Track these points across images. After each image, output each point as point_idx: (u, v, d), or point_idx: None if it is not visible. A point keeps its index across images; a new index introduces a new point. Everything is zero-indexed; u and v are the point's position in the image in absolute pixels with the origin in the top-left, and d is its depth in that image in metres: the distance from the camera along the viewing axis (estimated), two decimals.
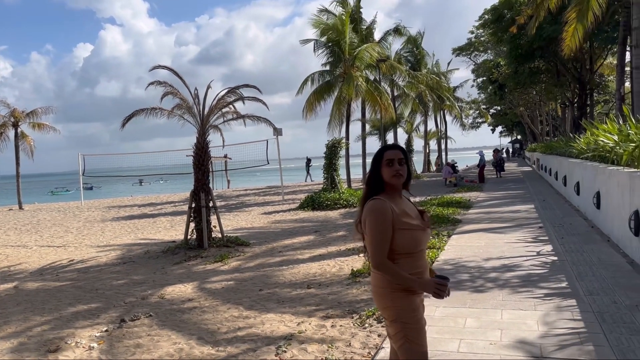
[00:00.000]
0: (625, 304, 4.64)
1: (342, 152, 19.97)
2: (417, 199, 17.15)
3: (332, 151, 18.39)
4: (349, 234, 10.54)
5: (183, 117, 10.33)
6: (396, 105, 33.64)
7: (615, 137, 8.95)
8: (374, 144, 42.99)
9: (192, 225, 9.89)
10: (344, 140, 19.75)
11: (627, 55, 16.05)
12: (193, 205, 9.91)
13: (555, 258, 6.80)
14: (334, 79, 24.44)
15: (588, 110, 27.45)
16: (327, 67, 25.11)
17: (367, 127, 31.61)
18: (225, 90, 10.41)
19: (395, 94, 34.33)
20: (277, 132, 20.76)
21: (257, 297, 6.10)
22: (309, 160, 40.76)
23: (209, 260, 8.62)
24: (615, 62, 21.04)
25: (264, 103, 10.77)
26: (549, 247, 7.53)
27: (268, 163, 23.77)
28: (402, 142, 38.36)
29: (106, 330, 5.09)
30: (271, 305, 5.66)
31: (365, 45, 24.38)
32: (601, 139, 9.88)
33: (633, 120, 8.62)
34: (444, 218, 11.35)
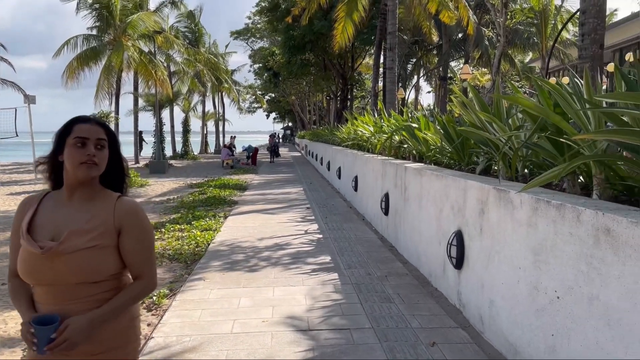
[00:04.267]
0: (377, 275, 5.27)
1: (111, 128, 18.30)
2: (195, 181, 16.82)
3: None
4: None
5: None
6: (173, 82, 32.35)
7: (371, 129, 10.12)
8: (148, 120, 40.55)
9: None
10: (112, 115, 18.13)
11: (382, 56, 18.33)
12: None
13: (320, 236, 7.37)
14: (101, 45, 22.18)
15: (349, 104, 30.76)
16: (94, 32, 22.61)
17: (141, 101, 29.69)
18: None
19: (173, 69, 32.98)
20: (29, 99, 17.87)
21: None
22: (140, 133, 36.22)
23: None
24: (371, 62, 23.90)
25: (10, 64, 9.06)
26: (315, 226, 8.13)
27: (17, 135, 20.33)
28: (178, 121, 37.16)
29: None
30: None
31: (140, 12, 22.68)
32: (360, 129, 11.07)
33: (385, 114, 9.86)
34: (221, 199, 11.36)
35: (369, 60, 32.49)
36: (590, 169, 3.02)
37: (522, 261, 3.06)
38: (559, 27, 19.04)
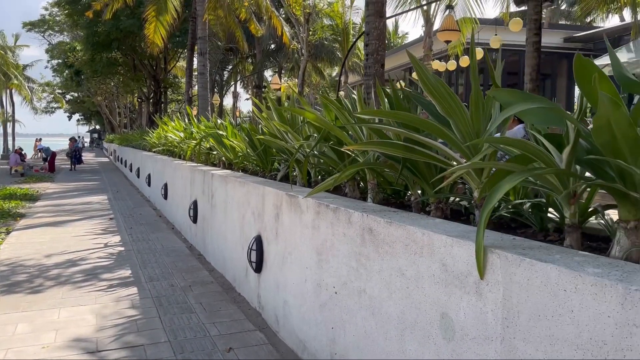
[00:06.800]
0: (180, 286, 5.12)
1: None
2: None
3: None
4: None
5: None
6: None
7: (182, 134, 9.86)
8: None
9: None
10: None
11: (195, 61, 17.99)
12: None
13: (123, 248, 6.91)
14: None
15: (163, 107, 29.53)
16: None
17: None
18: None
19: None
20: None
21: None
22: None
23: None
24: (185, 65, 23.31)
25: None
26: (117, 238, 7.59)
27: None
28: None
29: None
30: None
31: None
32: (170, 134, 10.69)
33: (195, 120, 9.69)
34: (4, 212, 9.89)
35: (183, 63, 31.63)
36: (366, 176, 3.38)
37: (308, 261, 3.28)
38: (358, 45, 21.00)
